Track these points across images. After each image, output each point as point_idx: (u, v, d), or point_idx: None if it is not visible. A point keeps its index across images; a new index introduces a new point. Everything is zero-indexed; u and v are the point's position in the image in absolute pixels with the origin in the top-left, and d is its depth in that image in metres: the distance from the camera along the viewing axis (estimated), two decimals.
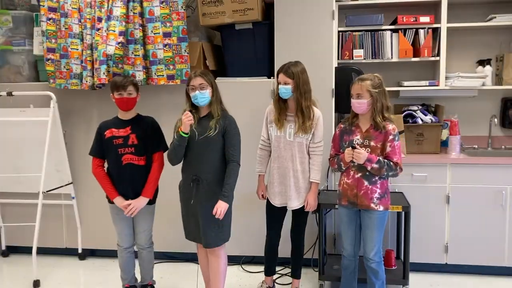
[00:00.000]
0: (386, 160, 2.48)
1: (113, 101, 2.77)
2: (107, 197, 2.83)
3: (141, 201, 2.77)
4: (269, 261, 3.00)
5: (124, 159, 2.74)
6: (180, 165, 2.69)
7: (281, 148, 2.77)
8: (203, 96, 2.54)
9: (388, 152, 2.49)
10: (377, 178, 2.52)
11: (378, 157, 2.47)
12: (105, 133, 2.77)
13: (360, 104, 2.49)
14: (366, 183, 2.52)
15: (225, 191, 2.53)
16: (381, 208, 2.52)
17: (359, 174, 2.53)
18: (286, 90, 2.68)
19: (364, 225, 2.59)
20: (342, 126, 2.66)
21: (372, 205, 2.52)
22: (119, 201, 2.75)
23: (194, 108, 2.63)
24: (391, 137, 2.48)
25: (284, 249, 3.05)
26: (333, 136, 2.72)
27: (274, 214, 2.87)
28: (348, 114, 2.67)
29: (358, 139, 2.54)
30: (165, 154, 2.93)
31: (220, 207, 2.50)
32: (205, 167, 2.57)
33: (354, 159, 2.47)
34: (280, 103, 2.75)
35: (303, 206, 2.79)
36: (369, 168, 2.48)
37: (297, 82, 2.66)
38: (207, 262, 2.71)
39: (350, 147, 2.49)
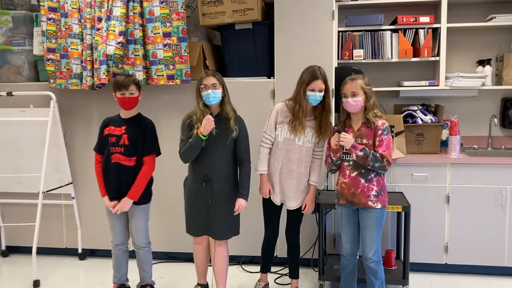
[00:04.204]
0: (371, 151, 2.49)
1: (116, 100, 2.78)
2: None
3: (126, 203, 2.78)
4: (265, 258, 3.00)
5: (113, 157, 2.77)
6: (178, 166, 2.71)
7: (290, 150, 2.75)
8: (215, 95, 2.60)
9: (376, 145, 2.51)
10: (373, 175, 2.53)
11: (363, 146, 2.50)
12: (105, 129, 2.81)
13: (356, 102, 2.50)
14: (362, 180, 2.53)
15: (243, 191, 2.69)
16: (379, 206, 2.53)
17: (355, 173, 2.55)
18: (320, 97, 2.66)
19: (363, 224, 2.59)
20: (335, 128, 2.69)
21: (370, 203, 2.52)
22: (106, 201, 2.81)
23: (204, 108, 2.68)
24: (379, 131, 2.50)
25: (284, 249, 3.04)
26: (328, 139, 2.74)
27: (273, 212, 2.88)
28: None
29: None
30: (161, 156, 2.94)
31: (241, 205, 2.68)
32: (216, 167, 2.65)
33: (340, 142, 2.50)
34: (303, 109, 2.68)
35: (300, 207, 2.81)
36: (354, 155, 2.49)
37: (327, 86, 2.68)
38: (206, 256, 2.89)
39: (337, 132, 2.54)
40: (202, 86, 2.61)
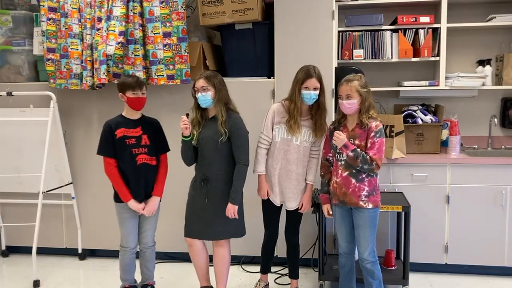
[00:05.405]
0: (362, 152, 2.49)
1: (124, 100, 2.73)
2: (114, 196, 2.80)
3: (156, 202, 2.83)
4: (266, 259, 3.01)
5: (138, 159, 2.74)
6: (178, 166, 2.74)
7: (288, 151, 2.76)
8: (204, 98, 2.62)
9: (367, 147, 2.51)
10: (364, 176, 2.53)
11: (355, 147, 2.50)
12: (116, 132, 2.73)
13: (350, 105, 2.50)
14: (353, 180, 2.53)
15: (232, 193, 2.63)
16: (370, 206, 2.53)
17: (347, 172, 2.55)
18: (316, 95, 2.67)
19: (356, 224, 2.60)
20: (331, 127, 2.69)
21: (361, 202, 2.53)
22: (133, 204, 2.74)
23: (200, 109, 2.71)
24: (372, 133, 2.50)
25: (284, 249, 3.04)
26: (325, 139, 2.75)
27: (273, 212, 2.88)
28: None
29: None
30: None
31: (229, 210, 2.64)
32: (214, 168, 2.66)
33: (333, 140, 2.52)
34: (298, 108, 2.69)
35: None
36: (344, 154, 2.51)
37: (322, 85, 2.68)
38: (202, 258, 2.83)
39: (332, 131, 2.57)
40: (194, 89, 2.65)
